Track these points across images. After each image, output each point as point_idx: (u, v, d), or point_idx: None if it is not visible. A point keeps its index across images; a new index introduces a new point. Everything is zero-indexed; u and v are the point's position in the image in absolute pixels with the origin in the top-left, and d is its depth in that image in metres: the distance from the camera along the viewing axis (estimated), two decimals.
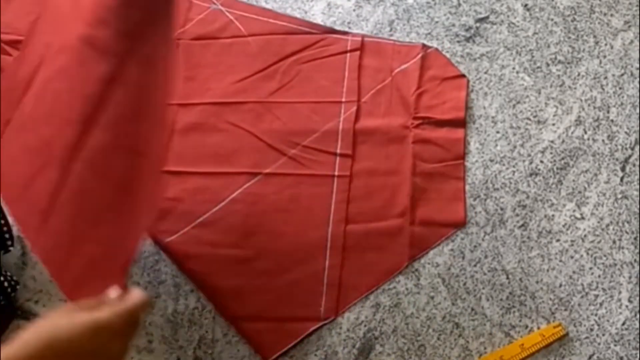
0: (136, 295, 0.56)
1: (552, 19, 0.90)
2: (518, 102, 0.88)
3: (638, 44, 0.88)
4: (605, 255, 0.80)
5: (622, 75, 0.87)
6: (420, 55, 0.91)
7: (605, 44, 0.89)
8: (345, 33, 0.92)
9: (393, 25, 0.93)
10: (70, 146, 0.54)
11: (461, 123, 0.87)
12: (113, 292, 0.57)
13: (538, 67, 0.90)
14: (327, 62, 0.90)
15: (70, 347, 0.50)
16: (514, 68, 0.90)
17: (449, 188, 0.84)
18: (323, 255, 0.79)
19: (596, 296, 0.76)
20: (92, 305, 0.54)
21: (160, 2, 0.62)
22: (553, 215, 0.82)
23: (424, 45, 0.91)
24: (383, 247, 0.80)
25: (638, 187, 0.83)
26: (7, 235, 0.73)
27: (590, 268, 0.79)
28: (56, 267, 0.57)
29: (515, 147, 0.86)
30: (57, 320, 0.51)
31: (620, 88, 0.86)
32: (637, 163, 0.84)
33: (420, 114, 0.87)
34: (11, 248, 0.74)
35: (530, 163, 0.85)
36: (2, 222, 0.72)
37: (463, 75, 0.90)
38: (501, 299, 0.77)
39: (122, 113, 0.56)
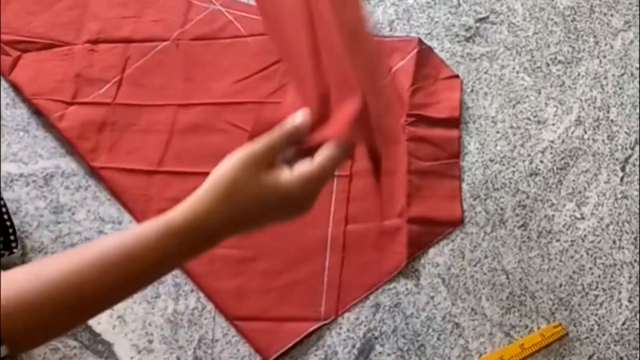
0: (332, 149, 0.48)
1: (552, 19, 0.90)
2: (518, 102, 0.88)
3: (638, 44, 0.88)
4: (605, 255, 0.80)
5: (622, 75, 0.87)
6: (415, 51, 0.90)
7: (605, 44, 0.89)
8: None
9: (393, 25, 0.93)
10: None
11: (456, 122, 0.87)
12: (298, 116, 0.50)
13: (538, 67, 0.90)
14: None
15: (247, 206, 0.46)
16: (514, 68, 0.90)
17: (445, 186, 0.83)
18: (323, 256, 0.79)
19: (596, 296, 0.76)
20: (268, 149, 0.48)
21: None
22: (553, 215, 0.82)
23: (420, 41, 0.91)
24: (383, 247, 0.80)
25: (638, 187, 0.83)
26: (12, 237, 0.74)
27: (590, 268, 0.79)
28: None
29: (515, 147, 0.86)
30: (241, 177, 0.47)
31: (620, 88, 0.86)
32: (637, 163, 0.84)
33: (414, 112, 0.87)
34: (15, 250, 0.74)
35: (530, 163, 0.85)
36: (8, 224, 0.73)
37: (457, 76, 0.90)
38: (501, 299, 0.77)
39: None
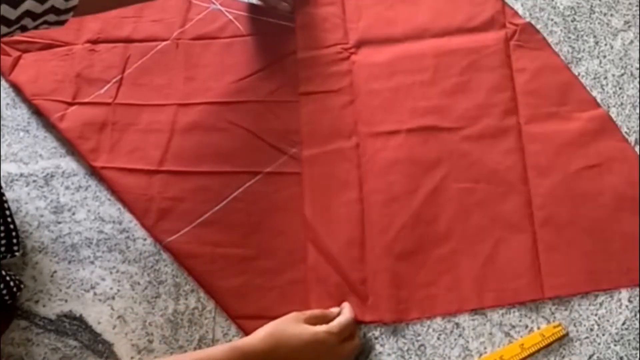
0: (345, 314, 0.71)
1: (552, 19, 0.91)
2: None
3: (638, 44, 0.88)
4: None
5: (622, 75, 0.87)
6: None
7: (605, 44, 0.89)
8: None
9: None
10: None
11: None
12: (335, 308, 0.73)
13: None
14: None
15: (290, 347, 0.65)
16: None
17: None
18: None
19: (596, 296, 0.76)
20: (314, 317, 0.69)
21: None
22: None
23: None
24: None
25: (638, 187, 0.83)
26: (14, 241, 0.74)
27: None
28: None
29: None
30: (286, 323, 0.67)
31: (620, 88, 0.86)
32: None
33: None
34: (17, 253, 0.74)
35: None
36: (12, 227, 0.73)
37: None
38: None
39: None
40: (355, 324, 0.72)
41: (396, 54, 0.88)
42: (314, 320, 0.69)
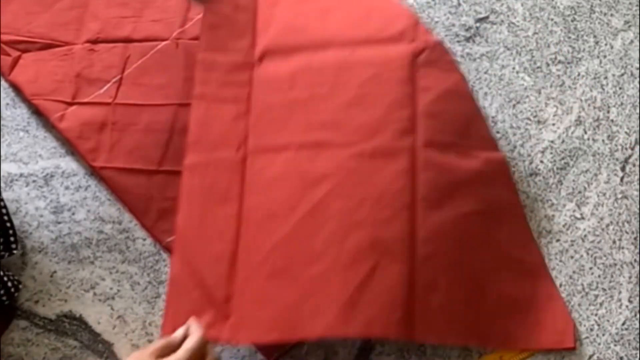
0: (192, 338, 0.63)
1: (552, 19, 0.91)
2: (518, 102, 0.88)
3: (638, 44, 0.89)
4: (605, 255, 0.80)
5: (622, 75, 0.87)
6: None
7: (605, 44, 0.89)
8: None
9: None
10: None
11: None
12: (179, 331, 0.65)
13: (538, 67, 0.90)
14: None
15: None
16: (514, 68, 0.90)
17: None
18: None
19: (596, 296, 0.76)
20: (159, 350, 0.61)
21: None
22: (553, 215, 0.82)
23: None
24: None
25: (638, 187, 0.83)
26: (12, 239, 0.74)
27: (590, 268, 0.79)
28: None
29: (515, 147, 0.86)
30: None
31: (620, 88, 0.86)
32: (637, 163, 0.85)
33: None
34: (15, 251, 0.74)
35: (530, 163, 0.85)
36: (8, 225, 0.73)
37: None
38: None
39: None
40: (207, 343, 0.64)
41: (299, 66, 0.80)
42: (159, 353, 0.61)
